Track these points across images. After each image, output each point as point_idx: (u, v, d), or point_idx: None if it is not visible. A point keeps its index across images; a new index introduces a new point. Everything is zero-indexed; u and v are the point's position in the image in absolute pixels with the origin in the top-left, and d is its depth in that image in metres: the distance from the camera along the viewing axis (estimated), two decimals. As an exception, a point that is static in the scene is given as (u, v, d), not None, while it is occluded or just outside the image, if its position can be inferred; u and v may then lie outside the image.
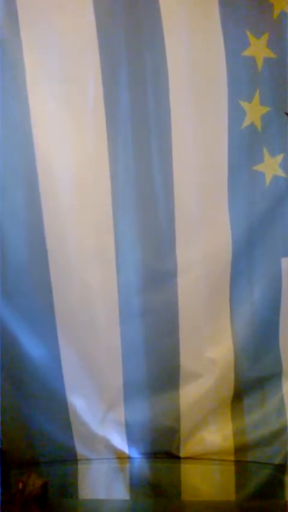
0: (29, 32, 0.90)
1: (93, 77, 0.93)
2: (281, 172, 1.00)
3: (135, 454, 1.11)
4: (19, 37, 0.90)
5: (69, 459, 1.10)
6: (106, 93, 0.94)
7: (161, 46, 0.93)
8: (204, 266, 1.03)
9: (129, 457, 1.11)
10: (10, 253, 0.98)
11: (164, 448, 1.10)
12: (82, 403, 1.07)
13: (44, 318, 1.02)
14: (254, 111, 0.98)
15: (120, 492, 1.09)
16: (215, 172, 1.00)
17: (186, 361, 1.06)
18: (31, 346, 1.02)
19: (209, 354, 1.07)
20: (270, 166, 1.00)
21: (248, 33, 0.95)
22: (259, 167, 1.01)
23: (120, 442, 1.10)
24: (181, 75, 0.95)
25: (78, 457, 1.10)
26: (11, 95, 0.92)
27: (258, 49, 0.96)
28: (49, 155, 0.95)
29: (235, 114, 0.97)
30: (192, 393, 1.08)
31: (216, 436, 1.10)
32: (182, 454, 1.10)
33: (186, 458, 1.10)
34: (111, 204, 0.98)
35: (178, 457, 1.10)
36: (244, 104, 0.97)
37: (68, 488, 1.08)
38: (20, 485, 0.98)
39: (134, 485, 1.09)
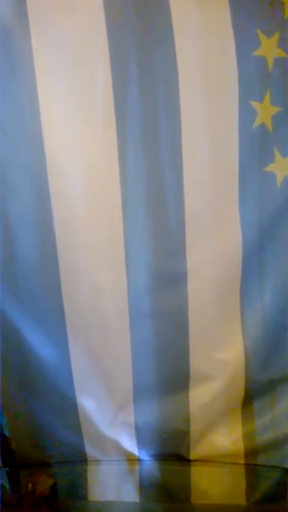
0: (39, 31, 0.90)
1: (103, 76, 0.93)
2: (292, 173, 1.00)
3: (144, 456, 1.11)
4: (29, 36, 0.90)
5: (78, 460, 1.10)
6: (116, 92, 0.94)
7: (171, 45, 0.93)
8: (214, 267, 1.02)
9: (139, 459, 1.10)
10: (20, 253, 0.99)
11: (173, 451, 1.10)
12: (92, 404, 1.07)
13: (53, 319, 1.02)
14: (265, 112, 0.97)
15: (129, 494, 1.08)
16: (225, 172, 0.99)
17: (196, 363, 1.06)
18: (41, 346, 1.02)
19: (220, 355, 1.06)
20: (281, 167, 0.99)
21: (259, 32, 0.94)
22: (270, 168, 1.00)
23: (129, 444, 1.10)
24: (191, 75, 0.94)
25: (88, 458, 1.10)
26: (21, 94, 0.92)
27: (269, 49, 0.95)
28: (59, 155, 0.94)
29: (246, 114, 0.96)
30: (202, 395, 1.07)
31: (226, 438, 1.09)
32: (191, 456, 1.10)
33: (196, 461, 1.09)
34: (121, 205, 0.98)
35: (188, 460, 1.10)
36: (255, 104, 0.96)
37: (77, 489, 1.08)
38: (30, 486, 0.99)
39: (144, 488, 1.09)
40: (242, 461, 1.09)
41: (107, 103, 0.94)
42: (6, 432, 1.09)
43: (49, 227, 0.97)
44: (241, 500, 1.07)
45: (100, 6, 0.90)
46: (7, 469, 1.10)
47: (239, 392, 1.08)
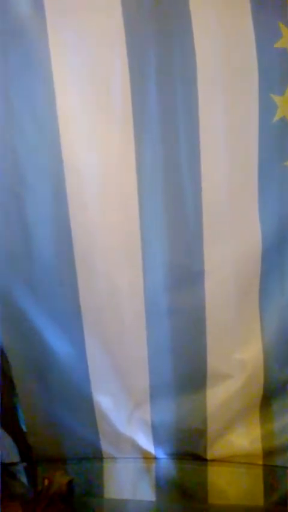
0: (56, 29, 0.89)
1: (120, 74, 0.91)
2: (313, 168, 0.97)
3: (161, 454, 1.10)
4: (46, 34, 0.89)
5: (94, 457, 1.10)
6: (133, 89, 0.92)
7: (189, 40, 0.91)
8: (232, 265, 1.00)
9: (155, 458, 1.10)
10: (37, 251, 0.99)
11: (190, 450, 1.09)
12: (108, 402, 1.07)
13: (70, 317, 1.02)
14: (286, 105, 0.94)
15: (146, 493, 1.08)
16: (244, 167, 0.97)
17: (214, 362, 1.04)
18: (57, 344, 1.03)
19: (238, 355, 1.04)
20: None
21: (280, 24, 0.92)
22: (291, 163, 0.97)
23: (146, 442, 1.09)
24: (210, 69, 0.92)
25: (104, 456, 1.10)
26: (38, 93, 0.91)
27: None
28: (75, 154, 0.94)
29: (266, 107, 0.93)
30: (219, 395, 1.06)
31: (244, 439, 1.07)
32: (208, 456, 1.08)
33: (213, 460, 1.08)
34: (138, 203, 0.97)
35: (205, 459, 1.08)
36: (275, 98, 0.93)
37: (93, 487, 1.08)
38: (46, 482, 0.99)
39: (160, 486, 1.08)
40: (260, 462, 1.07)
41: (125, 100, 0.92)
42: (23, 427, 1.10)
43: (65, 225, 0.96)
44: (259, 501, 1.06)
45: (118, 2, 0.89)
46: (25, 464, 1.11)
47: (258, 392, 1.06)
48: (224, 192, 0.98)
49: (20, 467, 1.11)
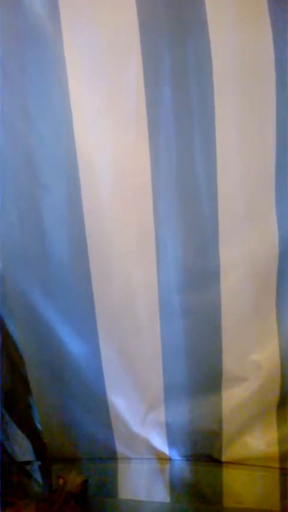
0: (70, 29, 0.88)
1: (135, 74, 0.90)
2: None
3: (175, 455, 1.09)
4: (60, 35, 0.89)
5: (109, 457, 1.10)
6: (148, 88, 0.91)
7: (204, 39, 0.89)
8: (249, 265, 0.99)
9: (169, 459, 1.09)
10: (51, 250, 0.99)
11: (205, 451, 1.08)
12: (122, 402, 1.06)
13: (84, 316, 1.01)
14: None
15: (160, 494, 1.07)
16: (261, 165, 0.95)
17: (230, 363, 1.03)
18: (71, 343, 1.03)
19: (254, 356, 1.02)
20: None
21: None
22: (309, 160, 0.95)
23: (160, 443, 1.09)
24: (226, 67, 0.90)
25: (118, 456, 1.10)
26: (53, 93, 0.91)
27: None
28: (90, 154, 0.93)
29: (284, 106, 0.91)
30: (235, 397, 1.04)
31: (260, 441, 1.06)
32: (224, 458, 1.07)
33: (228, 463, 1.07)
34: (152, 202, 0.96)
35: (220, 462, 1.07)
36: (294, 95, 0.91)
37: (107, 487, 1.08)
38: (61, 482, 1.00)
39: (175, 488, 1.08)
40: (277, 466, 1.05)
41: (139, 100, 0.91)
42: (38, 426, 1.11)
43: (80, 225, 0.96)
44: (275, 505, 1.04)
45: (132, 2, 0.88)
46: (39, 463, 1.12)
47: (274, 394, 1.05)
48: (240, 191, 0.96)
49: (35, 466, 1.11)
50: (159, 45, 0.90)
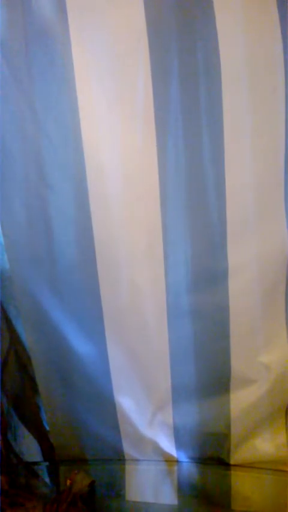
0: (78, 30, 0.88)
1: (143, 73, 0.90)
2: None
3: (183, 457, 1.09)
4: (68, 36, 0.89)
5: (116, 459, 1.09)
6: (156, 87, 0.91)
7: (213, 35, 0.88)
8: (257, 266, 0.98)
9: (177, 461, 1.09)
10: (59, 251, 0.99)
11: (213, 454, 1.07)
12: (130, 403, 1.06)
13: (91, 317, 1.01)
14: None
15: (168, 496, 1.07)
16: (270, 166, 0.94)
17: (238, 365, 1.02)
18: (79, 344, 1.03)
19: (263, 358, 1.01)
20: None
21: None
22: None
23: (168, 445, 1.08)
24: (234, 65, 0.89)
25: (126, 457, 1.10)
26: (60, 92, 0.91)
27: None
28: (97, 154, 0.93)
29: (292, 104, 0.90)
30: (244, 399, 1.03)
31: (269, 444, 1.05)
32: (232, 461, 1.06)
33: (236, 465, 1.06)
34: (160, 203, 0.95)
35: (228, 464, 1.06)
36: (302, 94, 0.90)
37: (114, 489, 1.08)
38: (68, 483, 0.99)
39: (182, 490, 1.07)
40: (286, 469, 1.04)
41: (147, 99, 0.91)
42: (46, 426, 1.11)
43: (87, 226, 0.96)
44: (284, 509, 1.03)
45: (140, 2, 0.87)
46: (47, 463, 1.12)
47: (283, 396, 1.03)
48: (249, 191, 0.95)
49: (43, 467, 1.12)
50: (167, 45, 0.89)
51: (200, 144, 0.93)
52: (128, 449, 1.09)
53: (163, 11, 0.88)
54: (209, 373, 1.03)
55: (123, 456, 1.10)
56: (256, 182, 0.95)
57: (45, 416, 1.11)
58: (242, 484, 1.06)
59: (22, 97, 0.92)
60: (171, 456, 1.09)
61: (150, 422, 1.07)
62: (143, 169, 0.95)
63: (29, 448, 1.12)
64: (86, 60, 0.90)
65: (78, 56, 0.90)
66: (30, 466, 1.12)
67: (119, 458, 1.09)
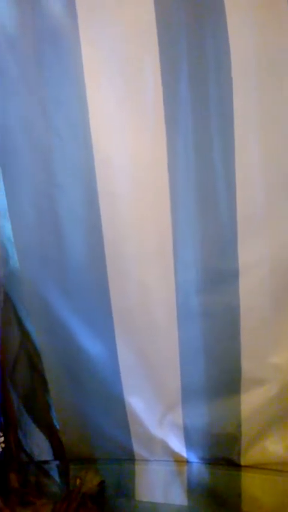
0: (87, 26, 0.88)
1: (152, 67, 0.89)
2: None
3: (193, 458, 1.08)
4: (77, 32, 0.89)
5: (126, 458, 1.09)
6: (165, 84, 0.90)
7: (223, 29, 0.87)
8: (268, 266, 0.96)
9: (187, 461, 1.08)
10: (68, 251, 0.99)
11: (223, 455, 1.06)
12: (139, 403, 1.06)
13: (101, 316, 1.01)
14: None
15: (177, 496, 1.06)
16: (282, 165, 0.92)
17: (249, 366, 1.01)
18: (88, 344, 1.03)
19: (274, 359, 1.00)
20: None
21: None
22: None
23: (178, 445, 1.07)
24: (246, 63, 0.88)
25: (136, 457, 1.09)
26: (69, 90, 0.91)
27: None
28: (107, 153, 0.93)
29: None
30: (254, 400, 1.02)
31: (280, 446, 1.03)
32: (242, 462, 1.05)
33: (247, 467, 1.05)
34: (170, 200, 0.95)
35: (239, 465, 1.05)
36: (314, 89, 0.88)
37: (124, 488, 1.08)
38: (78, 482, 1.00)
39: (192, 491, 1.06)
40: (298, 471, 1.03)
41: (156, 96, 0.90)
42: (56, 425, 1.11)
43: (96, 225, 0.96)
44: (295, 511, 1.02)
45: None
46: (57, 462, 1.12)
47: (295, 397, 1.02)
48: (260, 189, 0.94)
49: (53, 465, 1.12)
50: (177, 36, 0.88)
51: (210, 141, 0.92)
52: (137, 449, 1.09)
53: (172, 7, 0.87)
54: (219, 373, 1.02)
55: (133, 456, 1.09)
56: (267, 180, 0.93)
57: (55, 415, 1.11)
58: (253, 485, 1.05)
59: (32, 96, 0.92)
60: (181, 456, 1.08)
61: (160, 422, 1.07)
62: (153, 167, 0.94)
63: (40, 446, 1.13)
64: (95, 58, 0.90)
65: (87, 54, 0.89)
66: (40, 465, 1.12)
67: (129, 458, 1.09)
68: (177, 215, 0.96)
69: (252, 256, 0.96)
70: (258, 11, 0.86)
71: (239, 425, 1.04)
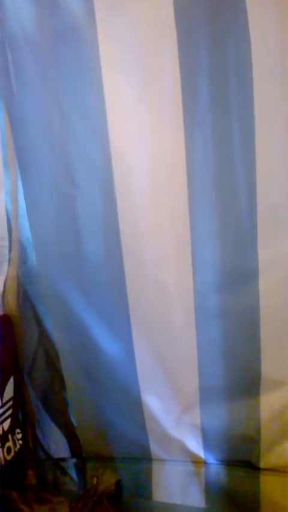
0: (105, 23, 0.87)
1: (171, 68, 0.88)
2: None
3: (211, 459, 1.07)
4: (95, 31, 0.88)
5: (143, 458, 1.09)
6: (184, 83, 0.89)
7: (244, 27, 0.85)
8: (288, 266, 0.94)
9: (205, 462, 1.07)
10: (86, 250, 0.99)
11: (242, 457, 1.05)
12: (157, 403, 1.05)
13: (118, 316, 1.01)
14: None
15: (195, 498, 1.06)
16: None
17: (268, 367, 0.99)
18: (106, 343, 1.02)
19: (294, 360, 0.98)
20: None
21: None
22: None
23: (195, 446, 1.07)
24: (266, 57, 0.86)
25: (153, 457, 1.09)
26: (88, 91, 0.90)
27: None
28: (124, 151, 0.92)
29: None
30: (274, 402, 1.00)
31: (300, 449, 1.02)
32: (262, 465, 1.04)
33: (266, 469, 1.03)
34: (188, 199, 0.93)
35: (258, 468, 1.04)
36: None
37: (141, 488, 1.08)
38: (95, 480, 1.00)
39: (210, 493, 1.05)
40: None
41: (175, 96, 0.89)
42: (73, 422, 1.11)
43: (114, 224, 0.95)
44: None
45: None
46: (74, 460, 1.13)
47: (315, 400, 1.00)
48: (281, 188, 0.92)
49: (70, 463, 1.12)
50: (196, 34, 0.86)
51: (230, 139, 0.90)
52: (154, 448, 1.08)
53: (191, 3, 0.86)
54: (238, 375, 1.01)
55: (150, 456, 1.09)
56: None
57: (72, 412, 1.11)
58: (272, 488, 1.03)
59: (49, 95, 0.92)
60: (199, 457, 1.07)
61: (177, 423, 1.06)
62: (171, 166, 0.93)
63: (57, 444, 1.13)
64: (113, 56, 0.89)
65: (105, 52, 0.88)
66: (57, 462, 1.13)
67: (146, 458, 1.09)
68: (196, 214, 0.94)
69: (273, 255, 0.94)
70: (280, 6, 0.84)
71: (259, 428, 1.02)
